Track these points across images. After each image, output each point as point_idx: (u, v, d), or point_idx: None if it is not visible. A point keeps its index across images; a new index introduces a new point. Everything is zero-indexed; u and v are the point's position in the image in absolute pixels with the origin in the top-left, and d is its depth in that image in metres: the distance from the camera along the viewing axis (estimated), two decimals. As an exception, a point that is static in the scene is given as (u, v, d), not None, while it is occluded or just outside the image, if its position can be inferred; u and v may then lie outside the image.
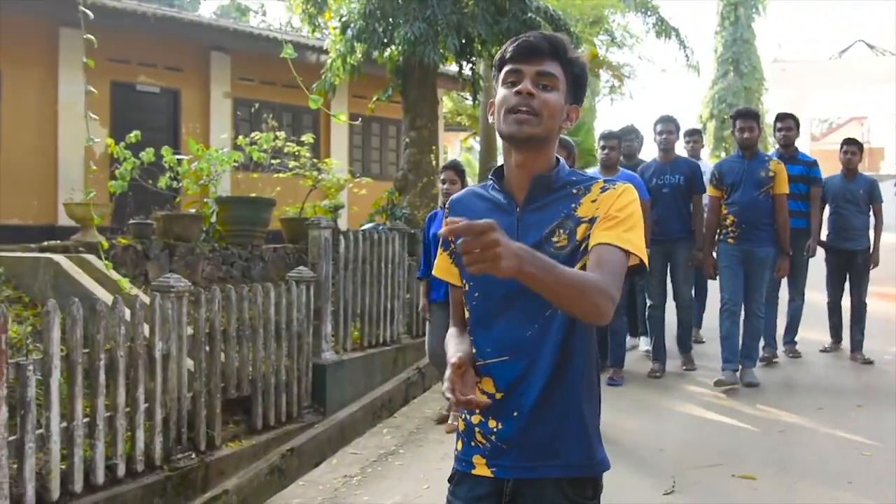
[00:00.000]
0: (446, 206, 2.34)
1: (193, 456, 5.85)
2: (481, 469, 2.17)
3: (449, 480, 2.28)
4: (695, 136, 9.13)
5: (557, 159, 2.21)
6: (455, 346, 2.19)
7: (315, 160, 11.64)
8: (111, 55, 14.08)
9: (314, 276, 7.41)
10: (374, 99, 13.34)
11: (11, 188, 12.39)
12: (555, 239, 2.11)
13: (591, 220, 2.11)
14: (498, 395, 2.13)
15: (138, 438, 5.43)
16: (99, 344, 5.14)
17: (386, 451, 6.36)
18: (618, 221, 2.09)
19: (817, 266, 8.20)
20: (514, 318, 2.11)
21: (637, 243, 2.09)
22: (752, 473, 5.17)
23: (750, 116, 7.26)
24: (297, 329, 7.10)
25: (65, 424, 4.92)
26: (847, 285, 8.26)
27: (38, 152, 12.93)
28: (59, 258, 6.63)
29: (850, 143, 8.39)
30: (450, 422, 6.52)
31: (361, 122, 17.97)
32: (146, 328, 5.61)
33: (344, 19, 12.91)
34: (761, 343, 7.64)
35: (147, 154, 8.33)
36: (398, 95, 13.33)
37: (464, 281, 2.22)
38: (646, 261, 2.14)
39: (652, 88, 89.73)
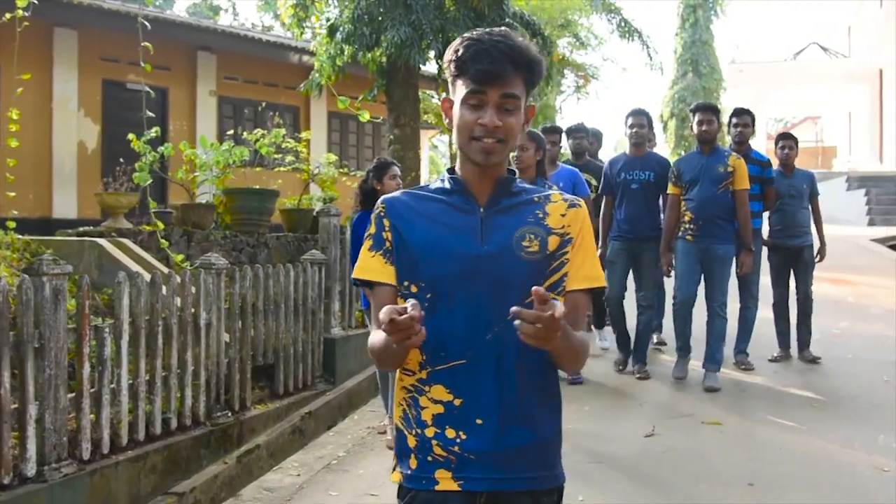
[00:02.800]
0: (380, 205, 2.21)
1: (230, 415, 6.62)
2: (446, 483, 2.06)
3: (399, 499, 2.16)
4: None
5: (509, 169, 2.21)
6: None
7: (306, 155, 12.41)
8: (103, 54, 14.78)
9: (325, 259, 8.21)
10: (360, 98, 14.05)
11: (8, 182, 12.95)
12: (525, 244, 2.09)
13: (564, 237, 2.14)
14: (456, 402, 2.06)
15: (187, 397, 6.19)
16: (157, 312, 5.90)
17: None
18: (588, 254, 2.17)
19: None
20: (472, 319, 2.05)
21: (600, 273, 2.21)
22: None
23: (709, 110, 7.13)
24: (311, 306, 7.88)
25: (131, 381, 5.67)
26: (792, 282, 8.00)
27: (33, 148, 13.50)
28: (101, 241, 7.36)
29: (785, 137, 8.16)
30: (389, 437, 6.07)
31: (339, 119, 18.82)
32: (179, 302, 6.33)
33: (331, 23, 13.63)
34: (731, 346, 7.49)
35: (167, 148, 9.03)
36: (381, 95, 14.04)
37: (407, 282, 2.13)
38: (606, 285, 2.33)
39: (616, 88, 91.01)
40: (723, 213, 6.96)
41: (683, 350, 7.26)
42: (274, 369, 7.38)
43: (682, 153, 31.65)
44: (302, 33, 14.49)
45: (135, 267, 7.12)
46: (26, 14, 7.06)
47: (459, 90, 2.09)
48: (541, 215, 2.14)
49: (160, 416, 5.91)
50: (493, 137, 2.05)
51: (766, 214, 7.96)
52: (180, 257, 7.12)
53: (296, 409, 7.40)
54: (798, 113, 42.25)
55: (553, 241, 2.12)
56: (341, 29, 12.88)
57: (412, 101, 13.97)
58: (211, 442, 6.33)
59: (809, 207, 7.98)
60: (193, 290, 6.29)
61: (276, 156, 10.94)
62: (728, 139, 8.11)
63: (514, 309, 1.75)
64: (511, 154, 6.67)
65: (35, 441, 4.86)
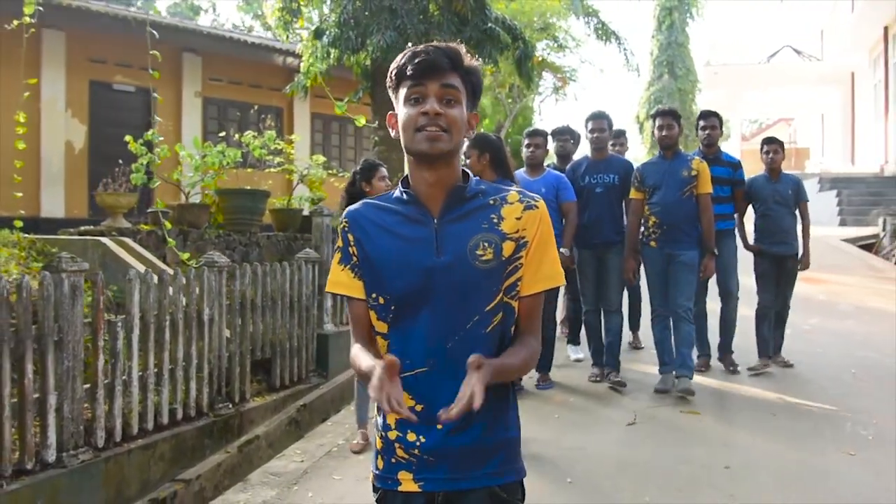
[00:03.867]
0: (344, 220, 2.26)
1: (230, 406, 6.92)
2: (408, 485, 2.16)
3: (374, 493, 2.27)
4: (619, 137, 8.77)
5: (464, 172, 2.23)
6: (371, 357, 2.11)
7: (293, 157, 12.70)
8: (91, 56, 14.99)
9: (318, 257, 8.52)
10: (346, 100, 14.34)
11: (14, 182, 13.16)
12: (479, 252, 2.11)
13: (519, 241, 2.15)
14: (418, 408, 2.11)
15: (191, 389, 6.48)
16: (165, 308, 6.19)
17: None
18: (546, 254, 2.19)
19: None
20: (433, 329, 2.10)
21: (559, 270, 2.24)
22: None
23: (669, 115, 6.94)
24: (306, 303, 8.19)
25: (140, 373, 5.96)
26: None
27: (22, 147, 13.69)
28: (105, 240, 7.64)
29: (770, 141, 7.91)
30: (354, 441, 6.05)
31: (322, 121, 19.08)
32: (184, 298, 6.62)
33: (317, 26, 13.93)
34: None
35: (163, 150, 9.29)
36: (365, 96, 14.34)
37: (375, 294, 2.18)
38: (564, 283, 2.34)
39: (593, 90, 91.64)
40: (687, 218, 6.81)
41: (668, 366, 6.94)
42: (271, 363, 7.67)
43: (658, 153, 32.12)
44: (288, 36, 14.77)
45: (137, 265, 7.39)
46: (33, 20, 7.29)
47: (401, 95, 2.13)
48: (495, 220, 2.16)
49: (167, 406, 6.21)
50: (436, 125, 2.06)
51: (749, 218, 7.85)
52: (186, 255, 7.42)
53: (291, 401, 7.71)
54: (772, 115, 42.93)
55: (508, 247, 2.14)
56: (328, 33, 13.17)
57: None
58: (214, 432, 6.62)
59: (797, 213, 7.76)
60: (197, 287, 6.58)
61: (268, 157, 11.22)
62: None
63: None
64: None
65: (55, 429, 5.15)
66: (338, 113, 6.70)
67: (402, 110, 2.12)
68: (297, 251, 9.62)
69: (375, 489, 2.25)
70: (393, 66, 2.14)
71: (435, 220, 2.14)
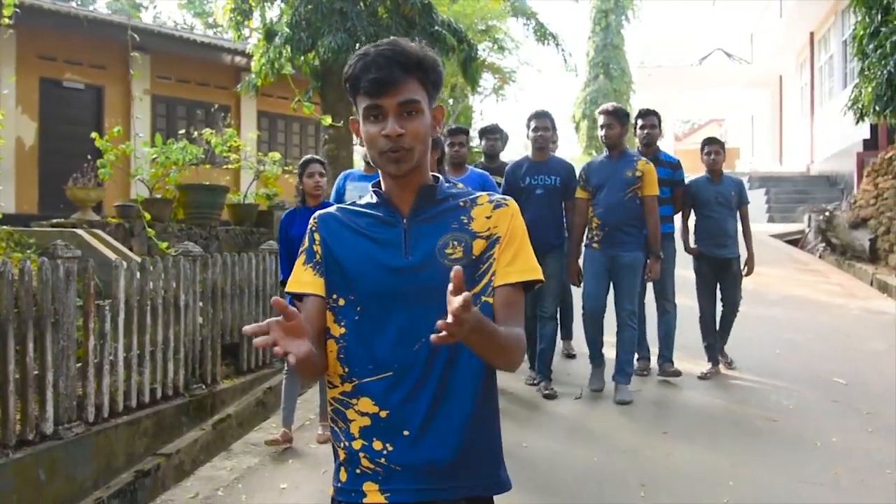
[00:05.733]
0: (313, 220, 2.21)
1: (203, 387, 7.35)
2: (374, 496, 2.04)
3: None
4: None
5: (435, 175, 2.18)
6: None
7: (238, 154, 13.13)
8: (41, 53, 15.17)
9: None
10: (296, 100, 14.74)
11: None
12: (449, 251, 2.05)
13: (490, 238, 2.09)
14: (382, 414, 2.03)
15: (169, 370, 6.91)
16: (147, 294, 6.62)
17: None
18: (521, 248, 2.11)
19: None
20: (399, 332, 2.02)
21: (536, 265, 2.13)
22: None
23: (611, 114, 6.75)
24: (270, 292, 8.63)
25: (125, 354, 6.38)
26: (718, 294, 7.60)
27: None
28: (80, 231, 8.02)
29: (711, 142, 7.70)
30: (275, 435, 6.05)
31: (268, 118, 19.45)
32: (163, 285, 7.03)
33: (268, 27, 14.33)
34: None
35: (128, 148, 9.67)
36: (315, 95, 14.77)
37: (336, 296, 2.10)
38: (542, 278, 2.17)
39: (532, 90, 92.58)
40: (630, 220, 6.62)
41: (597, 360, 6.93)
42: (238, 348, 8.11)
43: (594, 154, 32.95)
44: (240, 36, 15.13)
45: (111, 254, 7.79)
46: (10, 22, 7.62)
47: (360, 106, 2.06)
48: (465, 220, 2.10)
49: (149, 386, 6.63)
50: (398, 146, 2.01)
51: (691, 221, 7.68)
52: (165, 245, 7.84)
53: (258, 384, 8.16)
54: (704, 115, 44.22)
55: (478, 245, 2.08)
56: (280, 34, 13.58)
57: (346, 102, 14.69)
58: (190, 410, 7.06)
59: (738, 216, 7.56)
60: (175, 274, 7.01)
61: (227, 154, 11.63)
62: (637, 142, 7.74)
63: (439, 323, 1.71)
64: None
65: (52, 404, 5.57)
66: (306, 113, 7.10)
67: (362, 125, 2.07)
68: (254, 244, 10.10)
69: None
70: (346, 71, 2.06)
71: (404, 221, 2.10)
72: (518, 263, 2.10)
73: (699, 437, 5.87)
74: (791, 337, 8.87)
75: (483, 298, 2.07)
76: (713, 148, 7.57)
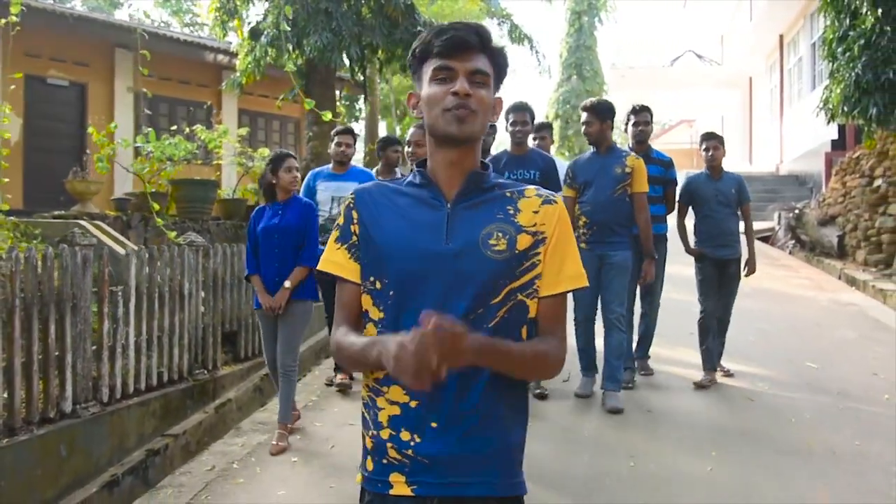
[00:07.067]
0: (350, 196, 2.14)
1: (206, 373, 7.63)
2: (400, 488, 2.00)
3: (360, 502, 2.12)
4: (542, 131, 8.36)
5: (484, 163, 2.13)
6: (367, 339, 1.98)
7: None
8: (26, 50, 15.32)
9: (275, 241, 9.27)
10: (280, 98, 15.04)
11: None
12: (492, 242, 1.98)
13: (536, 235, 2.03)
14: (412, 404, 1.98)
15: (174, 355, 7.19)
16: (155, 281, 6.91)
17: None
18: (567, 253, 2.07)
19: (679, 275, 7.97)
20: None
21: (581, 271, 2.10)
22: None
23: (591, 110, 6.54)
24: (265, 282, 8.92)
25: (135, 338, 6.67)
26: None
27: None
28: (83, 222, 8.29)
29: (710, 137, 7.41)
30: (274, 442, 5.93)
31: (249, 116, 19.69)
32: (169, 273, 7.31)
33: (253, 26, 14.61)
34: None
35: (125, 142, 9.94)
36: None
37: (373, 278, 2.04)
38: (588, 284, 2.13)
39: (506, 90, 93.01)
40: (619, 218, 6.42)
41: (588, 370, 6.80)
42: (236, 336, 8.40)
43: (566, 154, 33.39)
44: (225, 34, 15.39)
45: (113, 245, 8.07)
46: (18, 19, 7.86)
47: (426, 73, 2.04)
48: (511, 211, 2.04)
49: (156, 370, 6.92)
50: (465, 106, 1.97)
51: (689, 219, 7.46)
52: (173, 234, 8.13)
53: (255, 371, 8.44)
54: (675, 116, 44.79)
55: (523, 240, 2.02)
56: (266, 33, 13.84)
57: (330, 100, 15.00)
58: (194, 394, 7.35)
59: (739, 214, 7.33)
60: (180, 263, 7.29)
61: (218, 150, 11.92)
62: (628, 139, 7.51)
63: (422, 314, 1.70)
64: (406, 150, 6.58)
65: (71, 384, 5.85)
66: (306, 108, 7.38)
67: (427, 88, 2.03)
68: (243, 238, 10.34)
69: (363, 494, 2.10)
70: (416, 43, 2.06)
71: (448, 205, 2.04)
72: (566, 270, 2.06)
73: (679, 418, 6.26)
74: (764, 326, 9.30)
75: (520, 297, 2.02)
76: (712, 143, 7.30)
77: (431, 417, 1.96)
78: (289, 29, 10.42)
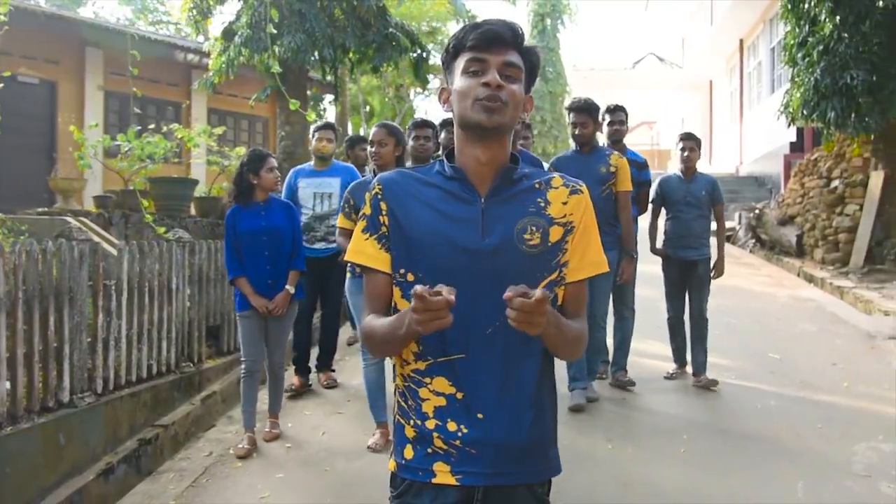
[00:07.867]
0: (377, 185, 2.12)
1: (192, 366, 7.83)
2: (444, 477, 2.02)
3: (392, 488, 2.13)
4: (524, 131, 7.43)
5: (512, 154, 2.13)
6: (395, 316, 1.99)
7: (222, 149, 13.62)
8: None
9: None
10: (254, 97, 15.25)
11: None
12: (527, 237, 2.01)
13: (567, 226, 2.08)
14: (459, 395, 2.01)
15: (163, 348, 7.39)
16: (145, 276, 7.10)
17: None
18: (591, 240, 2.12)
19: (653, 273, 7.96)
20: (471, 314, 1.97)
21: (603, 257, 2.16)
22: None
23: (583, 111, 6.50)
24: (246, 278, 9.13)
25: (127, 331, 6.86)
26: (686, 298, 7.39)
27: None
28: (68, 218, 8.44)
29: (687, 138, 7.37)
30: (240, 446, 6.03)
31: (218, 116, 19.82)
32: (158, 268, 7.49)
33: (226, 27, 14.77)
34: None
35: (105, 140, 10.08)
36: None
37: (404, 270, 2.06)
38: (609, 269, 2.20)
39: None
40: (606, 218, 6.26)
41: (580, 381, 6.65)
42: (220, 330, 8.60)
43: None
44: (198, 33, 15.53)
45: (97, 240, 8.20)
46: (4, 18, 8.00)
47: (459, 66, 2.06)
48: (542, 204, 2.07)
49: (146, 361, 7.11)
50: (495, 95, 1.99)
51: (661, 220, 7.53)
52: (162, 229, 8.32)
53: (237, 364, 8.61)
54: (636, 118, 45.30)
55: (555, 232, 2.06)
56: (240, 33, 14.00)
57: (302, 100, 15.18)
58: (181, 386, 7.54)
59: (711, 215, 7.34)
60: (168, 259, 7.49)
61: (194, 148, 12.09)
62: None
63: (506, 294, 1.74)
64: (369, 149, 6.26)
65: (69, 374, 6.04)
66: (291, 108, 7.58)
67: (458, 81, 2.05)
68: (219, 235, 10.52)
69: (397, 481, 2.11)
70: (451, 39, 2.10)
71: (482, 200, 2.05)
72: (589, 256, 2.13)
73: (657, 403, 6.57)
74: (728, 321, 9.66)
75: (555, 289, 2.08)
76: (689, 144, 7.29)
77: (478, 409, 2.00)
78: (274, 31, 10.53)
